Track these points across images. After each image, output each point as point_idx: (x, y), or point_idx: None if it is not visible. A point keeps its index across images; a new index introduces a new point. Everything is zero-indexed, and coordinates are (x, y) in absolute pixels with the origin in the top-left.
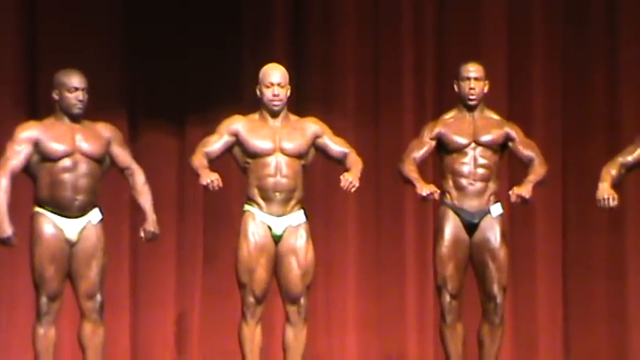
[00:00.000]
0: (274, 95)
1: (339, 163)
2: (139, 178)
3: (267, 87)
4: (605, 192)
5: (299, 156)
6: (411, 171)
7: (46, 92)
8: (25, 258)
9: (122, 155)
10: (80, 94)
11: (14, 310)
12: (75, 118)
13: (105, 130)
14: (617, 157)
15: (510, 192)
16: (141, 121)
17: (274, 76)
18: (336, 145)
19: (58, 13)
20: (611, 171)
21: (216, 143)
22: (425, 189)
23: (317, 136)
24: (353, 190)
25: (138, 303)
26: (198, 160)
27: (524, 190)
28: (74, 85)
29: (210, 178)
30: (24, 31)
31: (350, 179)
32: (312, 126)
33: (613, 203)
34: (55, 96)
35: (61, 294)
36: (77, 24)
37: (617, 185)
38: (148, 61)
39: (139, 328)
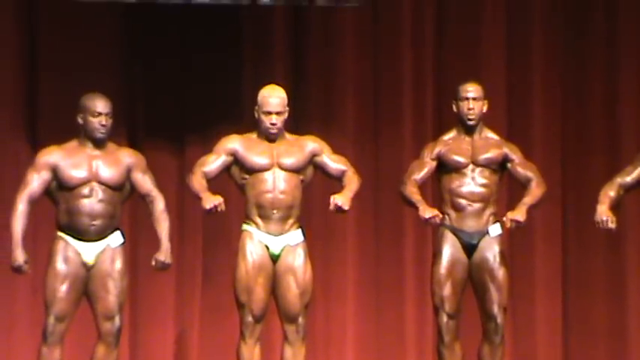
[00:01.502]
0: (272, 124)
1: (338, 181)
2: (159, 205)
3: (265, 115)
4: (604, 214)
5: (297, 171)
6: (413, 193)
7: (44, 110)
8: (25, 280)
9: (142, 181)
10: (104, 119)
11: (13, 332)
12: (98, 143)
13: (126, 156)
14: (616, 178)
15: (504, 218)
16: (141, 140)
17: (272, 105)
18: (334, 163)
19: (58, 31)
20: (609, 192)
21: (213, 163)
22: (428, 212)
23: (315, 154)
24: (341, 213)
25: (137, 321)
26: (198, 183)
27: (519, 214)
28: (98, 109)
29: (213, 203)
30: (24, 48)
31: (339, 203)
32: (310, 143)
33: (611, 225)
34: (80, 120)
35: (69, 316)
36: (77, 43)
37: (616, 206)
38: (147, 80)
39: (138, 346)
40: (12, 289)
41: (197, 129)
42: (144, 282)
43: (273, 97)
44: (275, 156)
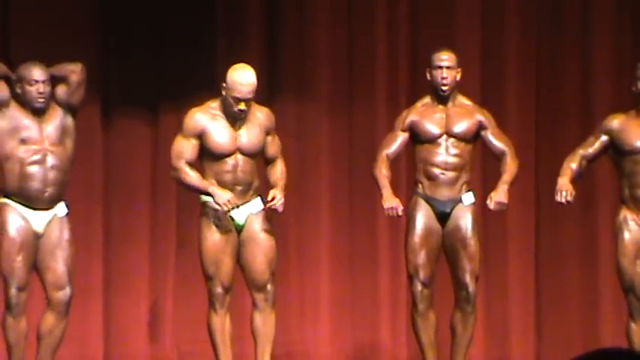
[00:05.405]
0: (240, 111)
1: (265, 164)
2: None
3: (234, 100)
4: (564, 187)
5: (257, 154)
6: (381, 176)
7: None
8: None
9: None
10: (41, 87)
11: None
12: (38, 112)
13: (61, 116)
14: (578, 150)
15: (488, 201)
16: (115, 109)
17: (242, 93)
18: (271, 149)
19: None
20: (571, 165)
21: (189, 150)
22: (388, 202)
23: (267, 132)
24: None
25: (111, 290)
26: (195, 177)
27: (502, 196)
28: (35, 77)
29: (228, 198)
30: None
31: (280, 200)
32: (265, 119)
33: (569, 199)
34: (18, 90)
35: (28, 284)
36: (51, 10)
37: (578, 178)
38: (122, 48)
39: (111, 315)
40: None
41: (171, 98)
42: (117, 251)
43: (244, 85)
44: (237, 141)
